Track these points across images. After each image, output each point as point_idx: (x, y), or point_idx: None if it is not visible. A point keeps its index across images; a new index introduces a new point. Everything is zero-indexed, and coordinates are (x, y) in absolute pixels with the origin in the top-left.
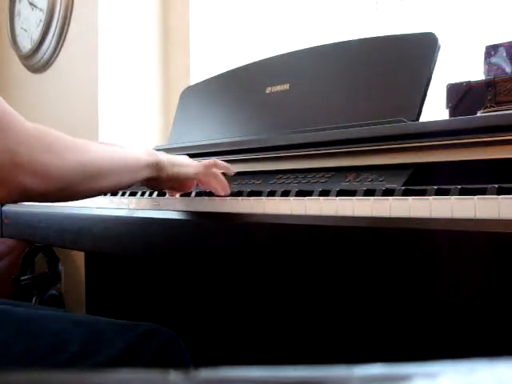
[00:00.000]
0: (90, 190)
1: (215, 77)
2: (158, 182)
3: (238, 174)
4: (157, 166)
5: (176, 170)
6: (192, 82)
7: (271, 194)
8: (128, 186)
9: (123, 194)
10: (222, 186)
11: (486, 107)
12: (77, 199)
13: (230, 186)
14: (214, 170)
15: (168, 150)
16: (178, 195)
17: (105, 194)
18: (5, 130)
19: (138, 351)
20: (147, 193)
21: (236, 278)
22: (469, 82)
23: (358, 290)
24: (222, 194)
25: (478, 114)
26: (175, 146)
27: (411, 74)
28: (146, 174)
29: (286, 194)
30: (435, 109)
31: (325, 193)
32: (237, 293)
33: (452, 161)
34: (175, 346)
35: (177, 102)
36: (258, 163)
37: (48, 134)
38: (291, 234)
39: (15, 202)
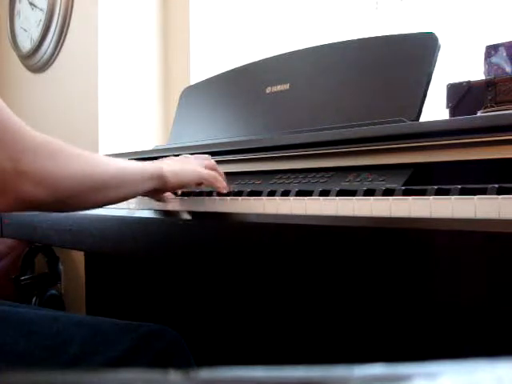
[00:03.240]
0: (95, 201)
1: (215, 76)
2: (161, 193)
3: (238, 173)
4: (161, 179)
5: (180, 179)
6: (192, 82)
7: (271, 193)
8: (132, 197)
9: None
10: (223, 185)
11: (486, 107)
12: (80, 210)
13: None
14: (214, 171)
15: (168, 150)
16: (179, 192)
17: None
18: (9, 136)
19: (140, 352)
20: None
21: (237, 278)
22: (469, 82)
23: (359, 290)
24: (224, 191)
25: (478, 114)
26: (175, 145)
27: (411, 74)
28: (149, 185)
29: (286, 193)
30: (435, 109)
31: (325, 193)
32: (237, 293)
33: (452, 161)
34: (178, 347)
35: (177, 101)
36: (258, 163)
37: (54, 143)
38: (291, 234)
39: (17, 211)
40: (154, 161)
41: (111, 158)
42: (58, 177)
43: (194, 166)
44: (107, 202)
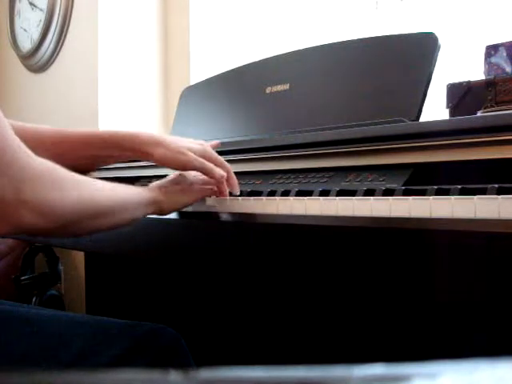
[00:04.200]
0: (91, 228)
1: (215, 76)
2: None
3: (238, 173)
4: (157, 205)
5: (176, 204)
6: (192, 82)
7: (271, 193)
8: (128, 224)
9: None
10: (225, 192)
11: (486, 107)
12: (78, 236)
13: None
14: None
15: None
16: None
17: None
18: (10, 165)
19: (139, 351)
20: None
21: (236, 278)
22: (469, 82)
23: (358, 290)
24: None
25: (478, 114)
26: None
27: (411, 74)
28: (146, 211)
29: (286, 193)
30: (435, 109)
31: (325, 193)
32: (237, 292)
33: (452, 161)
34: (177, 346)
35: (177, 102)
36: (258, 163)
37: (54, 170)
38: (291, 234)
39: (16, 235)
40: (153, 184)
41: (109, 184)
42: (58, 205)
43: (190, 187)
44: (105, 228)
